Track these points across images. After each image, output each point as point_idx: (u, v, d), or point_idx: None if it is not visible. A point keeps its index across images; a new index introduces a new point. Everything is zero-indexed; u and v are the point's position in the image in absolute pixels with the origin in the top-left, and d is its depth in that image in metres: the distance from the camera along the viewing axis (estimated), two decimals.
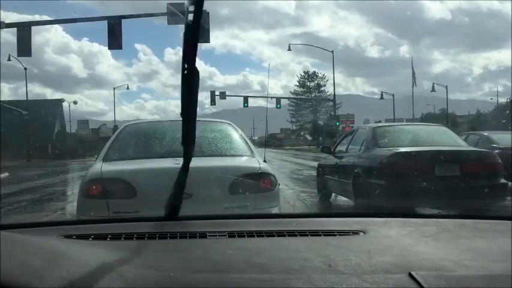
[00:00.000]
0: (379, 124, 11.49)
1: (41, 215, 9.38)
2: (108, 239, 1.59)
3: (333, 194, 9.67)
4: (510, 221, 1.82)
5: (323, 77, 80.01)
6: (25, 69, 38.89)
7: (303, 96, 79.38)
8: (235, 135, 5.32)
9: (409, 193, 6.66)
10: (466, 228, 1.80)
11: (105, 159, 4.77)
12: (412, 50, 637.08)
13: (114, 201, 4.21)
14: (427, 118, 72.44)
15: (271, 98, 51.06)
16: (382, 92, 50.75)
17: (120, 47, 21.10)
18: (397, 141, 7.79)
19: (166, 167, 3.82)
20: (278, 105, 44.81)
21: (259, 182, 4.41)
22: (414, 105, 51.03)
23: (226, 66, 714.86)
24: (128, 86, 64.89)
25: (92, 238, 1.59)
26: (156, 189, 3.26)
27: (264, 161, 4.93)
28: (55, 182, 18.08)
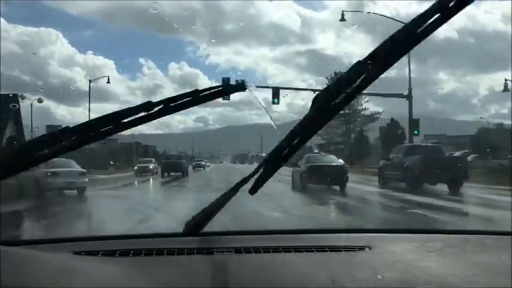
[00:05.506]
0: (310, 154, 25.21)
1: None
2: (117, 255, 1.60)
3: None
4: (511, 236, 1.87)
5: None
6: None
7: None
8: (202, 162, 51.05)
9: (314, 180, 19.15)
10: (471, 244, 1.82)
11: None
12: (417, 70, 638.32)
13: None
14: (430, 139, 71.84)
15: (310, 90, 37.53)
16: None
17: None
18: (314, 161, 20.96)
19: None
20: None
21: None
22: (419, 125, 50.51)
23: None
24: (108, 79, 41.35)
25: (101, 254, 1.60)
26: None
27: (208, 165, 46.85)
28: None
